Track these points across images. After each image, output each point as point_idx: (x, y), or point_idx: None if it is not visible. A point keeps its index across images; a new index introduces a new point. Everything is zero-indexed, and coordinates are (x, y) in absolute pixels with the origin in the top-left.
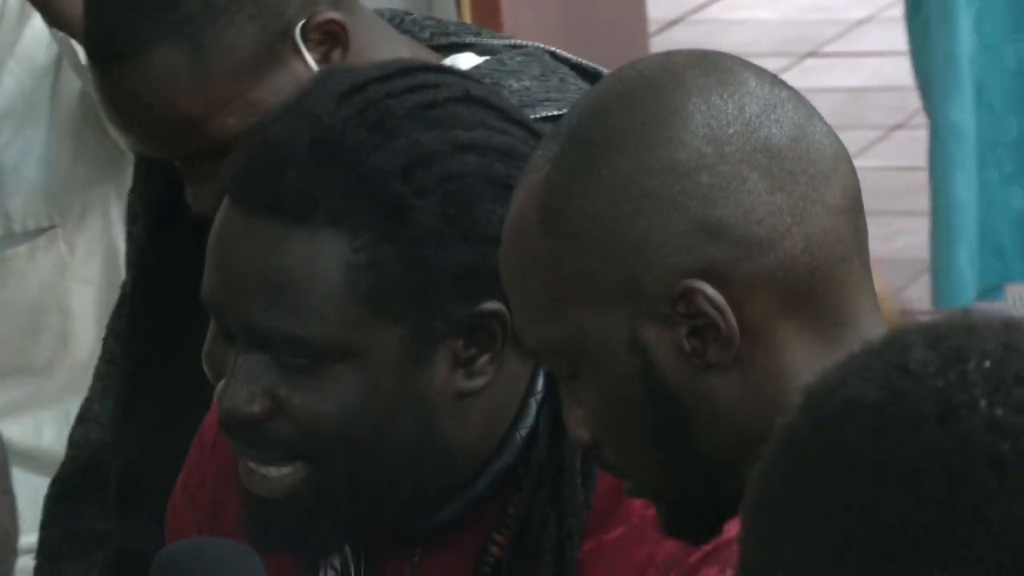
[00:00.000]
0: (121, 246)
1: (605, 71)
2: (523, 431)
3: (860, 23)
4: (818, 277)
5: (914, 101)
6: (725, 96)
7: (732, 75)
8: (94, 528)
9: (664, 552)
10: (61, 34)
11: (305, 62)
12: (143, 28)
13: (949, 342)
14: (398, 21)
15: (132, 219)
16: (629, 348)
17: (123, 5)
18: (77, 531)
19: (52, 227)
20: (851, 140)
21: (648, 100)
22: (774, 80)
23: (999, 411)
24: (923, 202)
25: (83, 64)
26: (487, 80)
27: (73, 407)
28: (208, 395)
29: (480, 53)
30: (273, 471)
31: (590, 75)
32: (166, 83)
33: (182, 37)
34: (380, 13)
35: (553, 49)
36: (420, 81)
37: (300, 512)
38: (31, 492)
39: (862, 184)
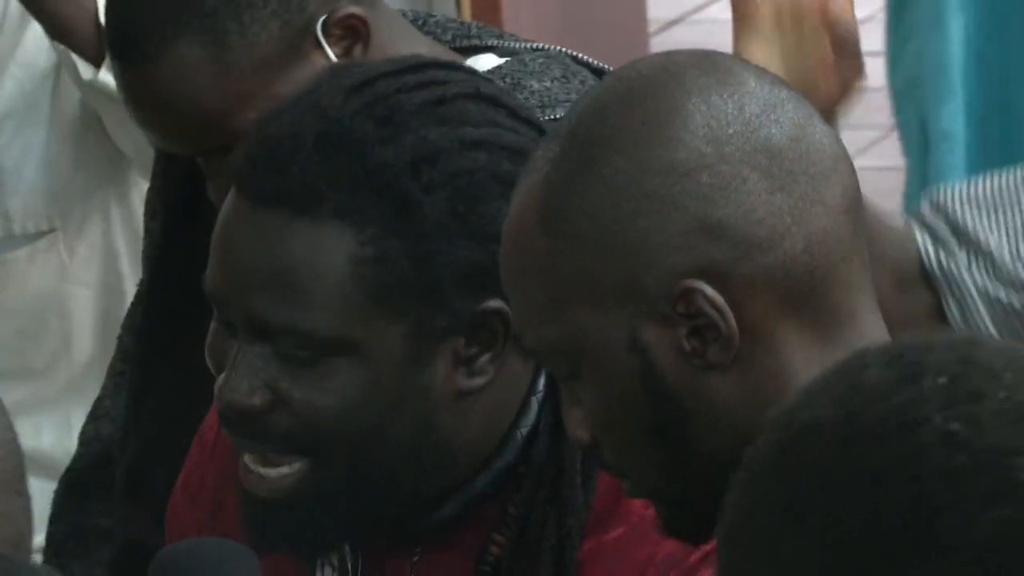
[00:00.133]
0: (121, 250)
1: None
2: (524, 430)
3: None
4: (818, 277)
5: None
6: (725, 96)
7: (732, 75)
8: (99, 525)
9: (664, 552)
10: (62, 47)
11: (327, 57)
12: (167, 23)
13: (906, 360)
14: (420, 23)
15: (151, 215)
16: (629, 348)
17: (146, 1)
18: (83, 528)
19: (52, 231)
20: (851, 140)
21: (648, 100)
22: (774, 80)
23: (953, 426)
24: None
25: (83, 78)
26: (508, 80)
27: (73, 410)
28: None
29: (501, 55)
30: (272, 471)
31: None
32: (189, 78)
33: (206, 32)
34: (403, 14)
35: (575, 53)
36: (430, 77)
37: (299, 511)
38: (31, 494)
39: (862, 184)
